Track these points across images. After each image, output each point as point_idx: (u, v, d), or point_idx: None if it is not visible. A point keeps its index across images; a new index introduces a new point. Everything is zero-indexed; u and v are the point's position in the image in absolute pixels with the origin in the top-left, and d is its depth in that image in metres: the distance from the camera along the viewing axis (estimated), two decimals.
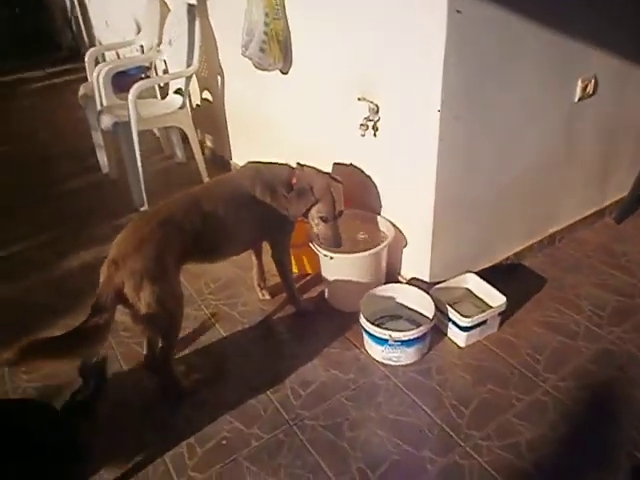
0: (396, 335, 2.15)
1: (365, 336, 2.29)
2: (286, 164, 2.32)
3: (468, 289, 2.52)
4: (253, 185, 2.20)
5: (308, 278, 2.80)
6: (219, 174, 3.70)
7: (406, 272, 2.60)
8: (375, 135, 2.39)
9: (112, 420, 2.09)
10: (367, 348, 2.32)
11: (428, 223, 2.32)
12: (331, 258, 2.38)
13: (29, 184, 4.10)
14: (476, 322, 2.27)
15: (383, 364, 2.27)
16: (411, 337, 2.16)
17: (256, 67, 2.72)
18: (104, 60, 4.80)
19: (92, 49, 4.14)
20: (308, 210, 2.23)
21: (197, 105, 4.14)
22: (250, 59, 2.66)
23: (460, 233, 2.46)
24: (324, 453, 1.92)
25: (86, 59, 4.02)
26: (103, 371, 1.99)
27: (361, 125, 2.35)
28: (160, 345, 2.09)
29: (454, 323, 2.30)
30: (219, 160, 4.03)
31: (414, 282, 2.53)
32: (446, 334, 2.39)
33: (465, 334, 2.29)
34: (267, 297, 2.66)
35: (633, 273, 2.73)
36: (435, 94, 2.03)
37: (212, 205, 2.10)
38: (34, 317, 2.61)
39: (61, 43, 7.65)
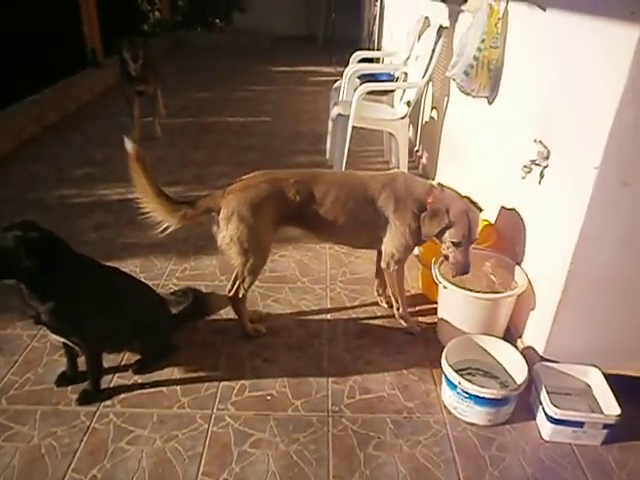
0: (465, 384, 2.00)
1: (443, 376, 2.18)
2: (430, 183, 2.33)
3: (588, 385, 2.16)
4: (380, 191, 2.27)
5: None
6: None
7: (527, 339, 2.34)
8: (540, 183, 2.21)
9: (203, 339, 2.46)
10: (442, 389, 2.20)
11: (556, 293, 2.06)
12: (444, 287, 2.31)
13: (275, 151, 4.83)
14: (567, 418, 1.95)
15: (448, 411, 2.13)
16: (480, 394, 1.98)
17: (460, 90, 2.75)
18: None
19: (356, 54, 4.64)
20: (442, 232, 2.21)
21: (426, 122, 4.29)
22: (453, 80, 2.70)
23: (598, 318, 2.11)
24: (339, 453, 1.94)
25: (351, 61, 4.54)
26: (205, 302, 2.54)
27: (524, 167, 2.20)
28: (238, 282, 2.37)
29: (543, 408, 2.01)
30: (426, 178, 4.12)
31: (527, 351, 2.27)
32: (535, 418, 2.10)
33: (551, 426, 1.99)
34: (384, 305, 2.70)
35: None
36: (597, 146, 1.79)
37: (325, 188, 2.25)
38: None
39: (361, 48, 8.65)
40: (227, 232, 2.19)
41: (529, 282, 2.27)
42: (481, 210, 2.23)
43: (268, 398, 2.17)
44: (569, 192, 1.99)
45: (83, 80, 6.27)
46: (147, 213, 2.18)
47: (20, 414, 2.07)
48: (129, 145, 2.10)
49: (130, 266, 2.95)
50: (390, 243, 2.34)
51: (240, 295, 2.38)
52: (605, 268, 2.00)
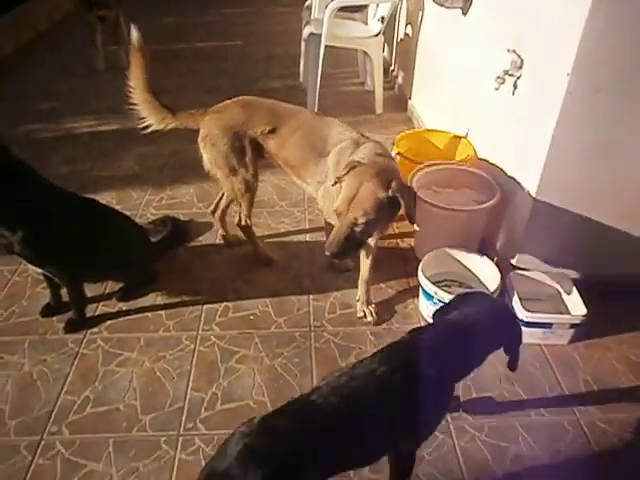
0: (441, 294, 2.08)
1: (420, 288, 2.25)
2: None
3: (558, 290, 2.25)
4: (347, 148, 2.02)
5: None
6: (395, 110, 3.78)
7: (500, 250, 2.41)
8: (513, 94, 2.19)
9: (184, 265, 2.49)
10: (419, 300, 2.28)
11: (528, 203, 2.11)
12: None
13: (248, 76, 4.68)
14: (537, 320, 2.05)
15: (426, 320, 2.22)
16: None
17: (434, 1, 2.65)
18: None
19: None
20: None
21: (401, 39, 4.17)
22: None
23: (568, 226, 2.16)
24: (322, 364, 2.03)
25: None
26: (184, 229, 2.58)
27: (498, 78, 2.18)
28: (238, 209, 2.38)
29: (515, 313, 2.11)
30: (402, 98, 4.06)
31: (501, 261, 2.34)
32: None
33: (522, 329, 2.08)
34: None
35: None
36: (569, 53, 1.77)
37: (294, 126, 2.13)
38: None
39: None
40: (206, 155, 2.20)
41: (502, 194, 2.30)
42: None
43: (251, 317, 2.23)
44: (542, 102, 1.98)
45: (40, 6, 5.89)
46: (134, 105, 2.23)
47: (8, 344, 2.11)
48: (135, 35, 2.14)
49: (106, 198, 2.92)
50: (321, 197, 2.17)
51: (243, 222, 2.38)
52: (575, 177, 2.03)
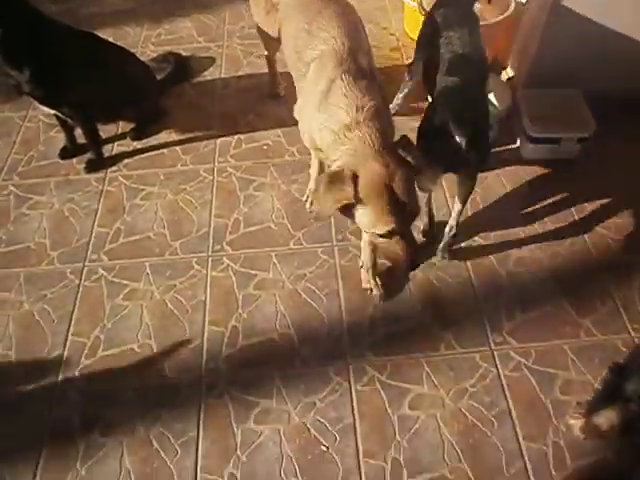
0: None
1: None
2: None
3: (568, 108, 2.24)
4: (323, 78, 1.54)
5: None
6: None
7: (512, 69, 2.36)
8: None
9: (193, 102, 2.48)
10: None
11: (543, 14, 2.01)
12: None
13: None
14: (546, 135, 2.09)
15: None
16: None
17: None
18: None
19: None
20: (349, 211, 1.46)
21: None
22: None
23: (582, 37, 2.09)
24: None
25: None
26: (188, 65, 2.52)
27: None
28: None
29: (524, 130, 2.13)
30: None
31: (512, 80, 2.31)
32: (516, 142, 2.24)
33: (531, 145, 2.13)
34: None
35: None
36: None
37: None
38: None
39: None
40: None
41: (517, 8, 2.19)
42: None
43: (264, 147, 2.28)
44: None
45: None
46: None
47: (35, 186, 2.20)
48: None
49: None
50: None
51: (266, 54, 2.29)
52: None
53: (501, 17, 2.18)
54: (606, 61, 2.16)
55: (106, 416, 1.60)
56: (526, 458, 1.49)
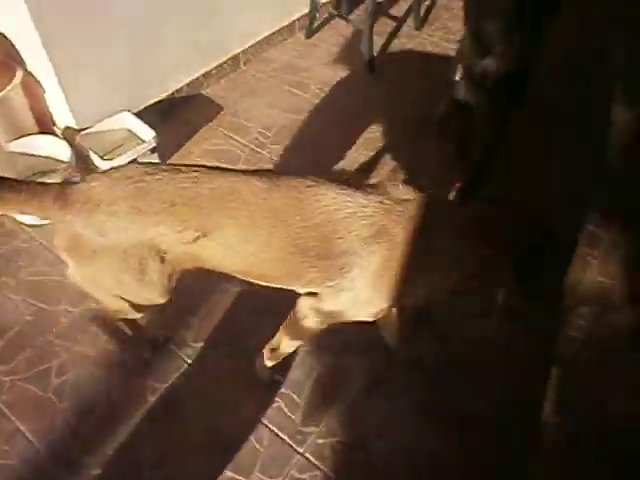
0: None
1: None
2: None
3: (130, 130, 2.39)
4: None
5: None
6: None
7: (59, 121, 2.38)
8: None
9: None
10: None
11: (49, 67, 2.07)
12: None
13: None
14: (120, 162, 2.17)
15: (29, 226, 2.14)
16: None
17: None
18: None
19: None
20: None
21: None
22: None
23: (103, 66, 2.24)
24: None
25: None
26: None
27: None
28: None
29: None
30: None
31: (68, 131, 2.33)
32: None
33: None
34: None
35: (307, 88, 2.75)
36: None
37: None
38: None
39: None
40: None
41: (24, 71, 2.19)
42: None
43: None
44: None
45: None
46: None
47: None
48: None
49: None
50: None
51: None
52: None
53: (10, 85, 2.14)
54: (140, 76, 2.35)
55: None
56: None
